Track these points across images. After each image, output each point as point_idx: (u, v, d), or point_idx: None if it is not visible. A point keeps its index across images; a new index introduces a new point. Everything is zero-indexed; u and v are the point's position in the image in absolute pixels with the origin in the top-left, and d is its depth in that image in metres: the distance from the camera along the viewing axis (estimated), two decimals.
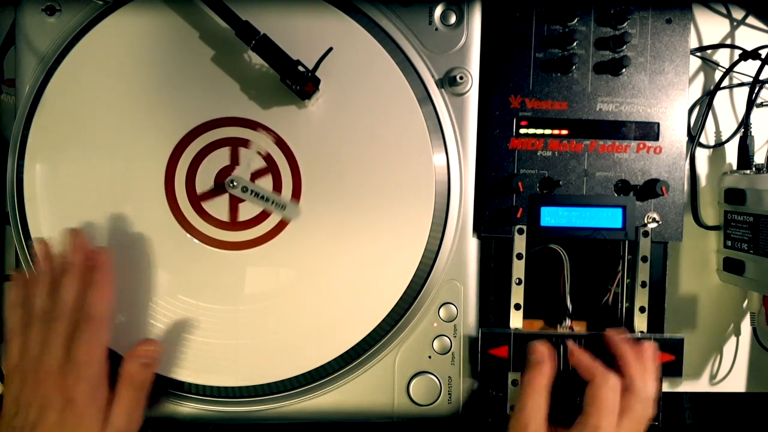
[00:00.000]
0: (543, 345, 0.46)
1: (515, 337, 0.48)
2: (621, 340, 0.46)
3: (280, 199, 0.45)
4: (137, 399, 0.44)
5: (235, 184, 0.46)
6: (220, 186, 0.46)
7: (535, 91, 0.50)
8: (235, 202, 0.47)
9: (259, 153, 0.46)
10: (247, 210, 0.47)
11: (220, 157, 0.47)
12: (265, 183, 0.47)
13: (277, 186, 0.47)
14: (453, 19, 0.49)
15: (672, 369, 0.47)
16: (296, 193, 0.47)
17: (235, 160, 0.47)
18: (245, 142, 0.47)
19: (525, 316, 0.49)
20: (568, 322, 0.50)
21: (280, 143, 0.47)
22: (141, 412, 0.44)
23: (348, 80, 0.47)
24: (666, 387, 0.58)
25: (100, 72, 0.47)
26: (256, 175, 0.47)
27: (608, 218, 0.49)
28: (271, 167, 0.47)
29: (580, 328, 0.51)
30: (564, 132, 0.50)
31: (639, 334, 0.48)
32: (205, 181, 0.47)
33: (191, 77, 0.47)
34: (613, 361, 0.45)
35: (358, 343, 0.48)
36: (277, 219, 0.47)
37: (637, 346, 0.45)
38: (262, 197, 0.45)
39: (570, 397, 0.45)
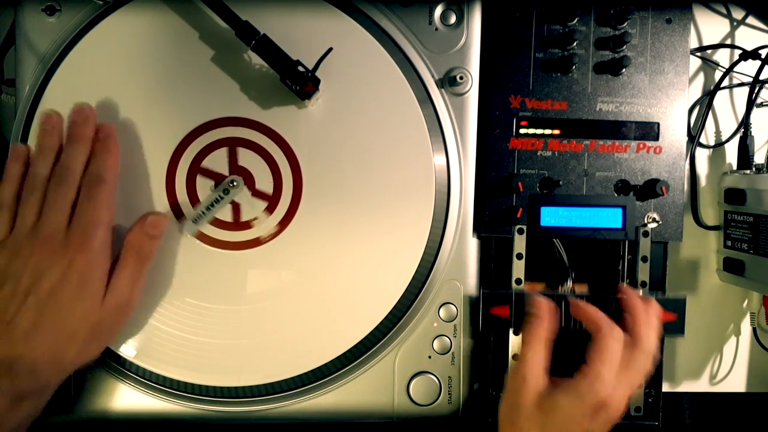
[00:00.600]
0: (543, 298, 0.46)
1: (517, 296, 0.48)
2: (633, 293, 0.46)
3: (201, 218, 0.46)
4: (140, 270, 0.43)
5: (234, 184, 0.46)
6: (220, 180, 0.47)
7: (535, 91, 0.50)
8: (236, 202, 0.47)
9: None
10: (248, 210, 0.47)
11: (221, 157, 0.47)
12: (266, 184, 0.47)
13: (278, 186, 0.47)
14: (453, 19, 0.49)
15: (674, 328, 0.47)
16: (297, 193, 0.47)
17: (234, 160, 0.47)
18: (251, 145, 0.47)
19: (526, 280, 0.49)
20: (569, 283, 0.50)
21: (281, 143, 0.47)
22: (143, 285, 0.44)
23: (348, 80, 0.47)
24: (666, 387, 0.58)
25: (100, 72, 0.47)
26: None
27: (608, 218, 0.49)
28: (271, 167, 0.47)
29: (581, 290, 0.51)
30: (564, 132, 0.50)
31: (641, 292, 0.48)
32: (206, 182, 0.47)
33: (191, 77, 0.47)
34: (613, 319, 0.45)
35: (358, 343, 0.48)
36: (278, 219, 0.47)
37: (645, 303, 0.45)
38: (208, 206, 0.46)
39: (571, 353, 0.45)
